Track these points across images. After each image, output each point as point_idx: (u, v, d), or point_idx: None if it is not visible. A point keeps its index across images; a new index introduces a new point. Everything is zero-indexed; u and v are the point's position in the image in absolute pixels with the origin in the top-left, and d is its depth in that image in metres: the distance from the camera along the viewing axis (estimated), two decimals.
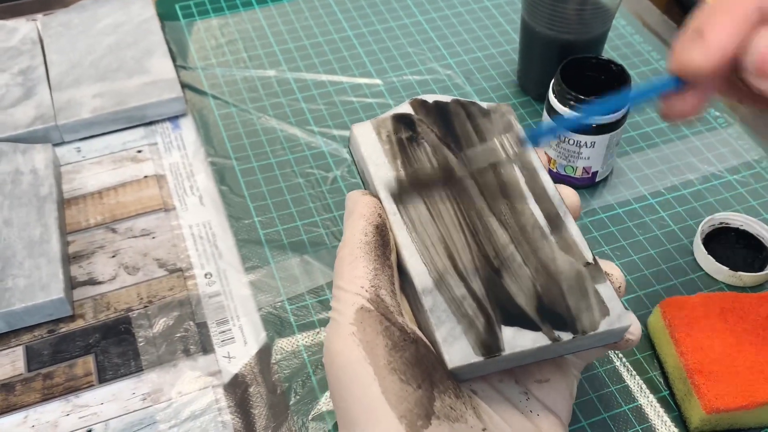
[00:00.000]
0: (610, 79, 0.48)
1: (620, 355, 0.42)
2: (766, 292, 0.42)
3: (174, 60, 0.59)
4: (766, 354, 0.38)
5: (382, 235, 0.31)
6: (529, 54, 0.55)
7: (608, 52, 0.61)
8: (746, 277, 0.44)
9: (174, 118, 0.55)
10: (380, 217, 0.32)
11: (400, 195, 0.32)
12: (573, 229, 0.32)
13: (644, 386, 0.41)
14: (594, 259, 0.31)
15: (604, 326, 0.29)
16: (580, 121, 0.45)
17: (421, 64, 0.60)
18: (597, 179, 0.50)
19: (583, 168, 0.49)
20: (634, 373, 0.41)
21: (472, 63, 0.60)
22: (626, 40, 0.62)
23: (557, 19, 0.51)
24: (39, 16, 0.62)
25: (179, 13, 0.64)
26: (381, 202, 0.32)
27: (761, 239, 0.46)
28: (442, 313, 0.29)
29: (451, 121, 0.35)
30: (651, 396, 0.40)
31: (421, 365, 0.28)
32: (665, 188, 0.51)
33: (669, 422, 0.39)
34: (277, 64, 0.60)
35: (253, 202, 0.50)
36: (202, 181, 0.51)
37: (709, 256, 0.45)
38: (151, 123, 0.55)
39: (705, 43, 0.29)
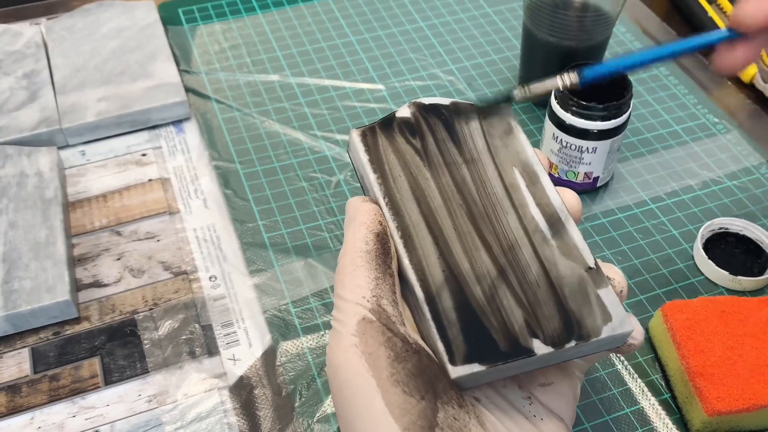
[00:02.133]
0: (611, 85, 0.48)
1: (622, 358, 0.42)
2: (766, 296, 0.42)
3: (177, 64, 0.59)
4: (767, 357, 0.38)
5: (383, 243, 0.31)
6: (531, 60, 0.56)
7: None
8: (746, 282, 0.45)
9: (178, 122, 0.56)
10: (381, 224, 0.31)
11: (401, 201, 0.32)
12: (574, 233, 0.32)
13: (646, 389, 0.41)
14: (596, 264, 0.31)
15: (606, 332, 0.29)
16: (645, 57, 0.38)
17: (423, 69, 0.61)
18: (598, 184, 0.50)
19: (585, 173, 0.49)
20: (636, 376, 0.42)
21: (474, 69, 0.61)
22: (626, 47, 0.63)
23: (558, 25, 0.51)
24: (43, 20, 0.62)
25: (182, 17, 0.64)
26: (381, 209, 0.32)
27: (760, 244, 0.47)
28: (444, 321, 0.29)
29: (451, 123, 0.35)
30: (653, 399, 0.41)
31: (423, 376, 0.28)
32: (665, 193, 0.51)
33: (671, 425, 0.40)
34: (280, 68, 0.60)
35: (257, 205, 0.50)
36: (207, 184, 0.51)
37: (709, 261, 0.46)
38: (155, 127, 0.55)
39: None
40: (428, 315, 0.29)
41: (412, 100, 0.36)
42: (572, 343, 0.29)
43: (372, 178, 0.33)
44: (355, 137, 0.34)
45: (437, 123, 0.35)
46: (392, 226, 0.32)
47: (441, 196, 0.33)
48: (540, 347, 0.29)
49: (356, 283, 0.30)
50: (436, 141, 0.34)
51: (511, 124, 0.35)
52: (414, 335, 0.30)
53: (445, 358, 0.28)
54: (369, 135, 0.34)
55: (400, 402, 0.27)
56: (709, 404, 0.37)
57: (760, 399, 0.37)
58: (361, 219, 0.32)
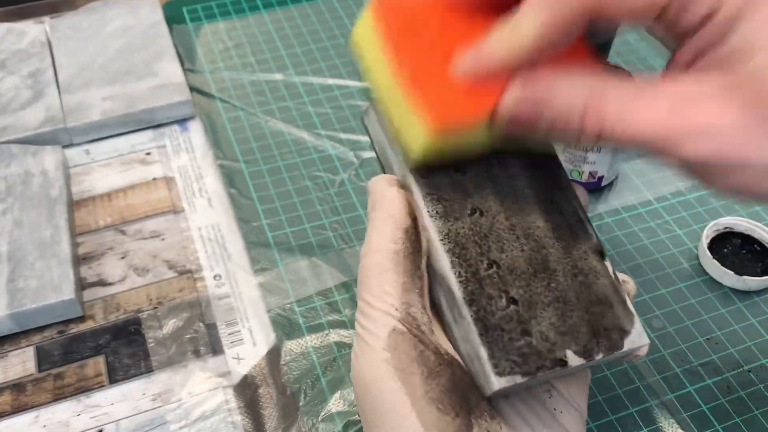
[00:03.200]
0: None
1: None
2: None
3: (182, 63, 0.59)
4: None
5: (413, 241, 0.29)
6: None
7: (614, 59, 0.61)
8: (751, 282, 0.45)
9: (182, 121, 0.56)
10: (411, 217, 0.29)
11: (432, 183, 0.29)
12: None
13: (651, 389, 0.41)
14: (614, 273, 0.30)
15: (627, 345, 0.29)
16: None
17: None
18: (603, 184, 0.50)
19: (590, 172, 0.49)
20: (641, 375, 0.41)
21: None
22: (632, 47, 0.63)
23: None
24: (47, 18, 0.62)
25: (187, 16, 0.64)
26: (410, 193, 0.29)
27: (766, 244, 0.47)
28: (487, 327, 0.28)
29: None
30: (658, 398, 0.41)
31: (457, 391, 0.27)
32: (670, 193, 0.51)
33: (675, 425, 0.40)
34: (284, 67, 0.60)
35: (262, 204, 0.50)
36: (211, 183, 0.51)
37: (714, 261, 0.45)
38: (159, 126, 0.55)
39: None
40: (470, 319, 0.28)
41: None
42: (600, 356, 0.28)
43: (395, 154, 0.30)
44: (376, 108, 0.31)
45: None
46: (424, 214, 0.29)
47: (475, 178, 0.30)
48: (573, 359, 0.28)
49: (384, 290, 0.28)
50: None
51: None
52: (445, 344, 0.28)
53: (488, 368, 0.27)
54: None
55: (435, 421, 0.27)
56: (435, 116, 0.27)
57: (482, 107, 0.28)
58: (389, 210, 0.29)
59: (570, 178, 0.50)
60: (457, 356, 0.28)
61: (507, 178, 0.31)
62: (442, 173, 0.30)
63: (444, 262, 0.28)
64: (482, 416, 0.28)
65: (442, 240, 0.29)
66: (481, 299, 0.28)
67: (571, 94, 0.26)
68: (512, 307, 0.28)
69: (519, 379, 0.27)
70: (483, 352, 0.27)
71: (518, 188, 0.31)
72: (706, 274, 0.46)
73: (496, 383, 0.27)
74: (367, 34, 0.30)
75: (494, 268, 0.29)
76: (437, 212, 0.29)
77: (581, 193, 0.33)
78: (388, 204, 0.29)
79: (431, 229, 0.29)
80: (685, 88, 0.25)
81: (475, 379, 0.28)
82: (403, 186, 0.30)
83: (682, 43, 0.26)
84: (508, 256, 0.29)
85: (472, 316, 0.28)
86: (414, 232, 0.29)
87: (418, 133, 0.28)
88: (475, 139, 0.29)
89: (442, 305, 0.29)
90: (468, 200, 0.30)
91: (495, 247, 0.29)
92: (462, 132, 0.28)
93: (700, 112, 0.24)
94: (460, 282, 0.28)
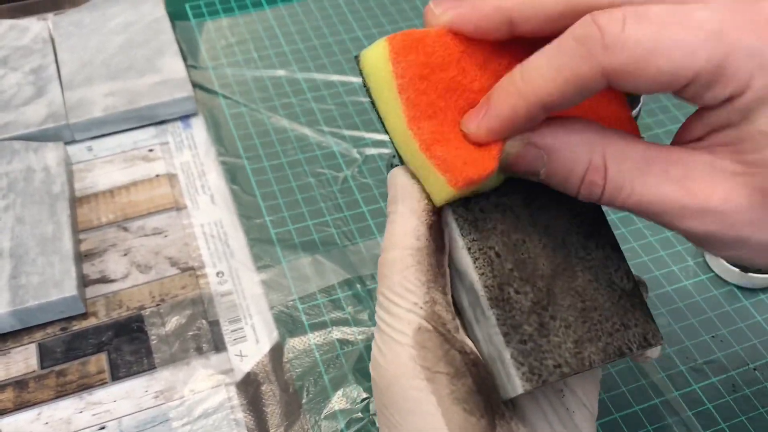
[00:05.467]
0: None
1: None
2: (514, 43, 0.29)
3: (184, 59, 0.59)
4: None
5: (436, 239, 0.28)
6: None
7: None
8: (757, 279, 0.44)
9: (185, 118, 0.56)
10: (434, 212, 0.28)
11: None
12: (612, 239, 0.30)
13: (656, 387, 0.41)
14: (634, 277, 0.30)
15: (647, 348, 0.29)
16: None
17: None
18: None
19: None
20: (646, 373, 0.41)
21: None
22: None
23: None
24: (50, 15, 0.62)
25: (189, 12, 0.64)
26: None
27: None
28: (506, 327, 0.27)
29: None
30: (663, 397, 0.40)
31: (482, 392, 0.27)
32: None
33: (680, 423, 0.39)
34: (287, 64, 0.60)
35: (265, 201, 0.50)
36: (214, 180, 0.51)
37: (720, 258, 0.45)
38: (162, 122, 0.55)
39: None
40: (493, 320, 0.27)
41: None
42: (617, 357, 0.28)
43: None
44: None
45: None
46: (448, 208, 0.28)
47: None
48: (595, 361, 0.28)
49: (407, 288, 0.27)
50: None
51: None
52: (469, 343, 0.28)
53: (513, 371, 0.27)
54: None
55: (461, 422, 0.26)
56: (454, 173, 0.27)
57: (496, 155, 0.27)
58: (411, 206, 0.28)
59: None
60: (480, 357, 0.28)
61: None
62: None
63: (467, 259, 0.28)
64: (504, 417, 0.27)
65: (464, 237, 0.28)
66: (505, 299, 0.27)
67: (577, 151, 0.26)
68: (536, 308, 0.28)
69: (542, 383, 0.27)
70: (506, 355, 0.27)
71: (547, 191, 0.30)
72: (712, 271, 0.46)
73: (521, 387, 0.26)
74: (381, 70, 0.28)
75: (519, 269, 0.28)
76: (461, 207, 0.29)
77: None
78: (410, 199, 0.28)
79: (454, 225, 0.28)
80: (695, 164, 0.25)
81: (496, 379, 0.28)
82: None
83: (699, 115, 0.26)
84: (533, 256, 0.29)
85: (495, 316, 0.27)
86: (437, 228, 0.28)
87: (437, 187, 0.28)
88: (493, 180, 0.29)
89: (463, 303, 0.29)
90: (492, 196, 0.29)
91: (520, 246, 0.29)
92: (480, 182, 0.28)
93: (709, 191, 0.24)
94: (483, 281, 0.28)
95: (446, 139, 0.27)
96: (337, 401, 0.40)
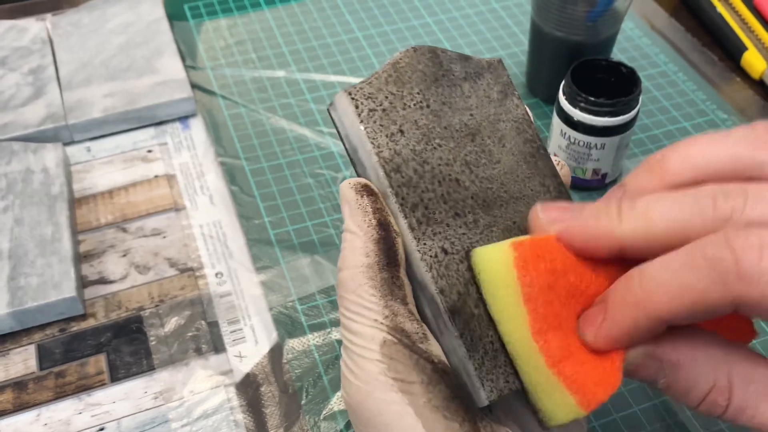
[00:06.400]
0: (620, 81, 0.48)
1: None
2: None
3: (183, 60, 0.59)
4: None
5: (387, 251, 0.27)
6: (539, 56, 0.55)
7: (617, 55, 0.61)
8: None
9: (184, 118, 0.56)
10: (382, 226, 0.28)
11: (406, 181, 0.28)
12: None
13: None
14: None
15: None
16: None
17: None
18: (607, 181, 0.50)
19: (593, 170, 0.49)
20: None
21: None
22: (634, 43, 0.62)
23: (566, 20, 0.51)
24: (48, 15, 0.62)
25: (188, 13, 0.64)
26: (385, 197, 0.28)
27: None
28: (469, 339, 0.27)
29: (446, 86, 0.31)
30: (662, 397, 0.40)
31: (458, 397, 0.27)
32: None
33: (680, 423, 0.39)
34: (286, 64, 0.60)
35: (264, 202, 0.50)
36: (212, 181, 0.51)
37: None
38: (161, 123, 0.55)
39: None
40: (455, 332, 0.27)
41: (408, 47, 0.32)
42: None
43: (367, 151, 0.28)
44: (341, 103, 0.29)
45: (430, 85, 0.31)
46: (400, 218, 0.28)
47: (449, 165, 0.29)
48: None
49: (363, 305, 0.27)
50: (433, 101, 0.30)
51: (506, 80, 0.33)
52: (437, 351, 0.28)
53: (477, 383, 0.26)
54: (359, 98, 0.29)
55: (443, 429, 0.26)
56: (584, 395, 0.26)
57: (615, 374, 0.27)
58: (358, 221, 0.28)
59: (573, 176, 0.50)
60: (447, 363, 0.28)
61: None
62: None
63: (423, 269, 0.27)
64: (485, 418, 0.27)
65: (419, 247, 0.28)
66: (466, 309, 0.27)
67: (701, 370, 0.25)
68: None
69: (508, 392, 0.27)
70: (470, 367, 0.27)
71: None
72: None
73: (485, 398, 0.27)
74: (505, 276, 0.27)
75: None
76: (414, 217, 0.28)
77: (565, 171, 0.34)
78: (356, 215, 0.28)
79: (407, 236, 0.28)
80: None
81: (468, 386, 0.28)
82: (376, 189, 0.29)
83: None
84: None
85: (457, 328, 0.27)
86: (387, 241, 0.27)
87: (562, 406, 0.26)
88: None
89: (426, 313, 0.28)
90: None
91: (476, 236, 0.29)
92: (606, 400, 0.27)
93: None
94: (441, 291, 0.27)
95: (571, 352, 0.26)
96: (337, 402, 0.40)
